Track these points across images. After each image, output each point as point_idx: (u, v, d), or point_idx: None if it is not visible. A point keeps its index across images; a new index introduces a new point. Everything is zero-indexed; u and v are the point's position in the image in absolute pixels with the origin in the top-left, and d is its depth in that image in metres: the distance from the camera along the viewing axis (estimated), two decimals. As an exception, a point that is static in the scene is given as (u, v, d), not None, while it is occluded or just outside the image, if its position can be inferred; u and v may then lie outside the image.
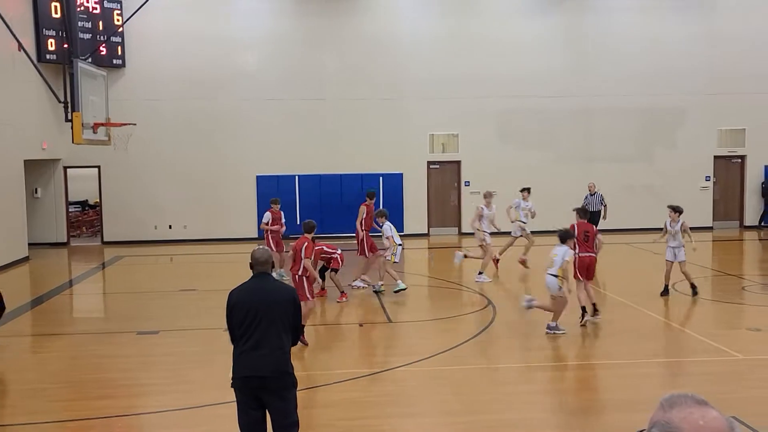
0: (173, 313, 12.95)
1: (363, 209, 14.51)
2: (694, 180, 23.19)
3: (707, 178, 23.26)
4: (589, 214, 14.27)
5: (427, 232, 23.28)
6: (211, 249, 21.22)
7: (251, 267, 5.80)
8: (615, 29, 22.89)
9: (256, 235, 22.10)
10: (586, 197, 19.23)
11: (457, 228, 23.43)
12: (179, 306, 13.62)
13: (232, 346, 5.71)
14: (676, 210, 13.16)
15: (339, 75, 22.66)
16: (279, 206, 16.11)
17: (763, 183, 23.25)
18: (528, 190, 16.71)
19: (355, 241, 14.67)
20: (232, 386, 5.65)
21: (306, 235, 10.67)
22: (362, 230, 14.30)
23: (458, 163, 23.30)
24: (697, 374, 9.07)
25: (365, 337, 11.37)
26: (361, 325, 11.82)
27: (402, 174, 23.06)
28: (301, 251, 10.35)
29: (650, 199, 23.02)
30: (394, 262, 14.09)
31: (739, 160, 23.53)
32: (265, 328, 5.55)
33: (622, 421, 7.23)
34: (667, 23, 22.96)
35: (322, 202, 22.49)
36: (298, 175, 22.71)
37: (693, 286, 13.25)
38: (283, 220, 16.12)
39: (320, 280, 12.39)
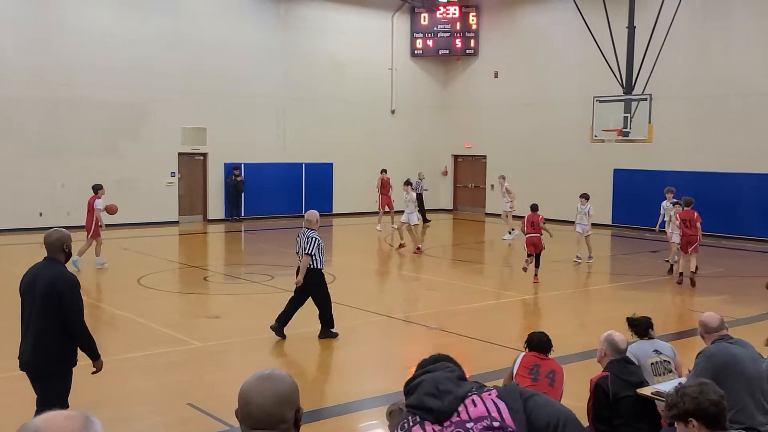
0: None
1: None
2: (160, 175, 23.65)
3: (172, 174, 23.96)
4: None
5: None
6: None
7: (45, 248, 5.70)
8: (87, 21, 21.88)
9: None
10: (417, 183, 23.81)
11: None
12: None
13: None
14: None
15: None
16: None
17: (226, 179, 24.94)
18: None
19: None
20: None
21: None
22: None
23: None
24: (157, 366, 9.05)
25: None
26: None
27: None
28: None
29: (122, 193, 22.72)
30: None
31: (202, 158, 24.82)
32: (30, 314, 5.58)
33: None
34: (139, 20, 22.87)
35: None
36: None
37: None
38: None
39: None
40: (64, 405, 5.65)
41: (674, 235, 15.57)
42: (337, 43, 26.91)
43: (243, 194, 25.07)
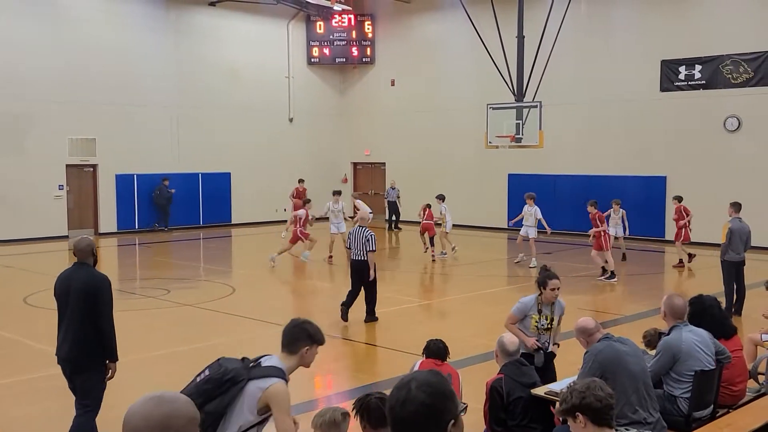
0: None
1: None
2: (47, 189, 22.59)
3: (60, 187, 22.93)
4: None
5: None
6: None
7: (74, 254, 6.19)
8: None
9: None
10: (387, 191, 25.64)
11: None
12: None
13: None
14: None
15: None
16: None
17: (156, 191, 24.31)
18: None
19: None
20: None
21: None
22: None
23: None
24: (44, 390, 8.60)
25: None
26: None
27: None
28: None
29: (4, 208, 21.59)
30: None
31: (92, 169, 23.85)
32: (66, 315, 6.10)
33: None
34: (17, 26, 21.75)
35: None
36: None
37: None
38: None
39: None
40: (101, 395, 6.24)
41: (618, 230, 17.93)
42: (232, 50, 26.50)
43: (171, 206, 24.95)
